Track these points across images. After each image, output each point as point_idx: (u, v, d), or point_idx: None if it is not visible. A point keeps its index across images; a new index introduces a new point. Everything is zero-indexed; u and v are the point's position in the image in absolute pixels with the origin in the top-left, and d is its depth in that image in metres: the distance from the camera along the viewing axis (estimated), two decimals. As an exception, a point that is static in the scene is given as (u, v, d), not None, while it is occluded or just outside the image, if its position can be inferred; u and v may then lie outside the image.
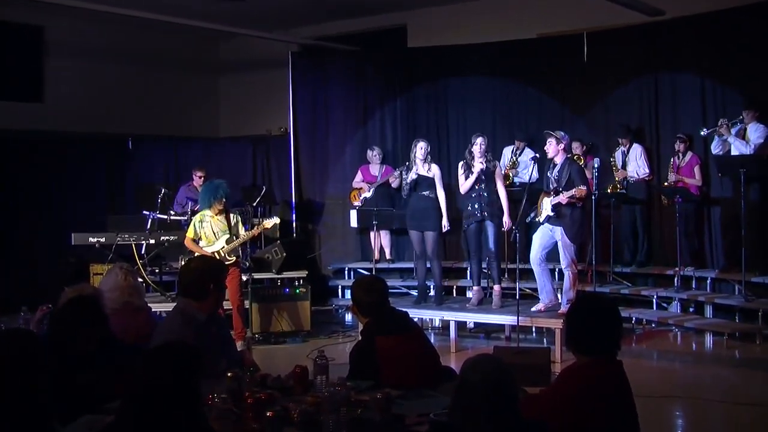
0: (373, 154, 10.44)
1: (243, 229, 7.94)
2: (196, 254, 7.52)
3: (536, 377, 5.88)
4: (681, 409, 6.02)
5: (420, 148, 8.22)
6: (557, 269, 8.43)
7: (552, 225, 7.65)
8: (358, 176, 10.52)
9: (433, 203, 8.17)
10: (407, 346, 3.94)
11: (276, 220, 8.52)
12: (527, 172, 9.36)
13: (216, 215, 7.78)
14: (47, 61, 11.83)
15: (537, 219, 7.74)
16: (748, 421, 5.77)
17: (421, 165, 8.22)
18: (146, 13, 10.58)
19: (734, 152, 8.38)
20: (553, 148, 7.62)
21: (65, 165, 11.13)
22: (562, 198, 7.43)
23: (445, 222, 8.14)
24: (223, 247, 7.71)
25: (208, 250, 7.69)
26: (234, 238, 7.78)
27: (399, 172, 8.76)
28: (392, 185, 10.22)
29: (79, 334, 3.63)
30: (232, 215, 7.94)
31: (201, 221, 7.80)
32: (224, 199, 7.76)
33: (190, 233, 7.85)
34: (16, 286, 10.10)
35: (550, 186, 7.64)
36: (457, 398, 2.62)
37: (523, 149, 9.95)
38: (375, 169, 10.42)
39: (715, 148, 8.57)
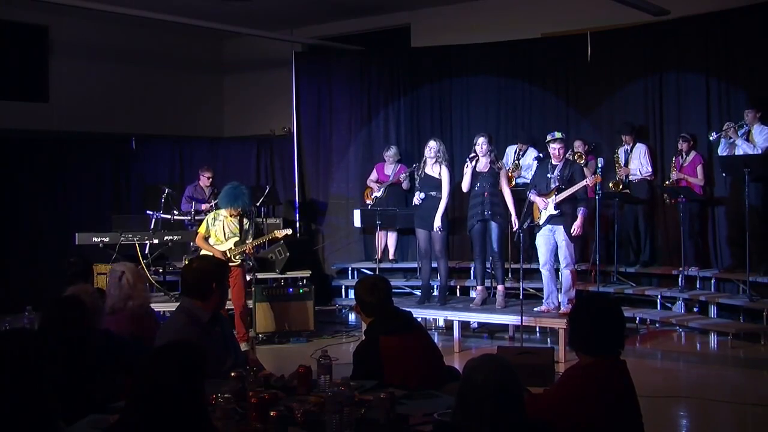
0: (389, 154, 10.41)
1: (251, 236, 7.85)
2: (201, 253, 7.51)
3: (540, 377, 5.87)
4: (685, 409, 6.01)
5: (429, 148, 8.18)
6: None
7: (553, 225, 7.63)
8: (373, 174, 10.53)
9: (439, 203, 8.15)
10: (411, 346, 3.94)
11: (288, 231, 8.44)
12: (530, 172, 9.33)
13: (230, 216, 7.74)
14: (52, 60, 11.86)
15: (536, 222, 7.69)
16: (752, 421, 5.77)
17: (431, 164, 8.19)
18: (151, 13, 10.60)
19: (739, 153, 8.36)
20: (560, 150, 7.63)
21: (69, 165, 11.16)
22: (570, 192, 7.43)
23: (437, 224, 8.06)
24: (230, 248, 7.68)
25: (218, 249, 7.66)
26: (242, 242, 7.75)
27: (410, 172, 8.71)
28: (403, 186, 10.21)
29: (67, 322, 3.73)
30: (246, 220, 7.88)
31: (215, 219, 7.74)
32: (240, 209, 7.75)
33: (201, 229, 7.80)
34: (21, 285, 10.13)
35: (551, 186, 7.63)
36: (461, 398, 2.61)
37: (526, 150, 9.93)
38: (389, 168, 10.41)
39: (722, 151, 8.54)
